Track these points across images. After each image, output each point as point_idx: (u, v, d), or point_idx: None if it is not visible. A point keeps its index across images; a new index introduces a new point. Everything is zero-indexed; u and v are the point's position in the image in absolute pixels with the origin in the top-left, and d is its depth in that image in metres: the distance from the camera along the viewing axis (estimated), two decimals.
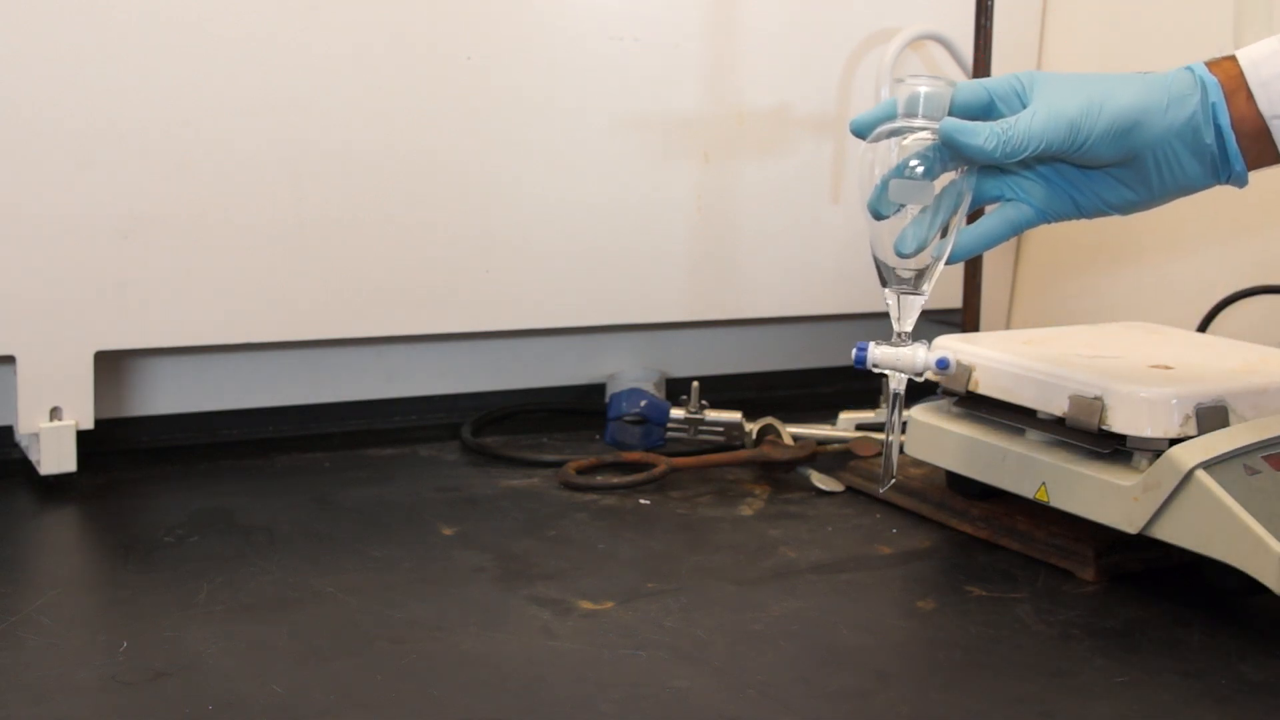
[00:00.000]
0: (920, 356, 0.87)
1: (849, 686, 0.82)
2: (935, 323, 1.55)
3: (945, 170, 0.84)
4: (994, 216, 0.89)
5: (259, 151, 1.19)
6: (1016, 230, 0.89)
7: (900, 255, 0.85)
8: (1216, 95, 0.83)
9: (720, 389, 1.48)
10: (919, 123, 0.84)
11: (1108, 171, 0.86)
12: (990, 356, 1.06)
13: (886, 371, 0.88)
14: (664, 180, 1.38)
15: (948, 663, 0.86)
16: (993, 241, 0.89)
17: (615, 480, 1.19)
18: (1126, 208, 0.88)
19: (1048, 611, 0.93)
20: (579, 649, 0.86)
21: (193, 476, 1.21)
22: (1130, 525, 0.94)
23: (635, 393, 1.31)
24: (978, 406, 1.07)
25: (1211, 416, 0.95)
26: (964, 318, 1.40)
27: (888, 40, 1.45)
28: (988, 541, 1.07)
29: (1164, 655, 0.87)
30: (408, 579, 0.97)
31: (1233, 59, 0.84)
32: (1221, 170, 0.85)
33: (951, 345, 1.09)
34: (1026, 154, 0.83)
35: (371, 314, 1.27)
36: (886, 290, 0.87)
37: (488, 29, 1.27)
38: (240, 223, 1.20)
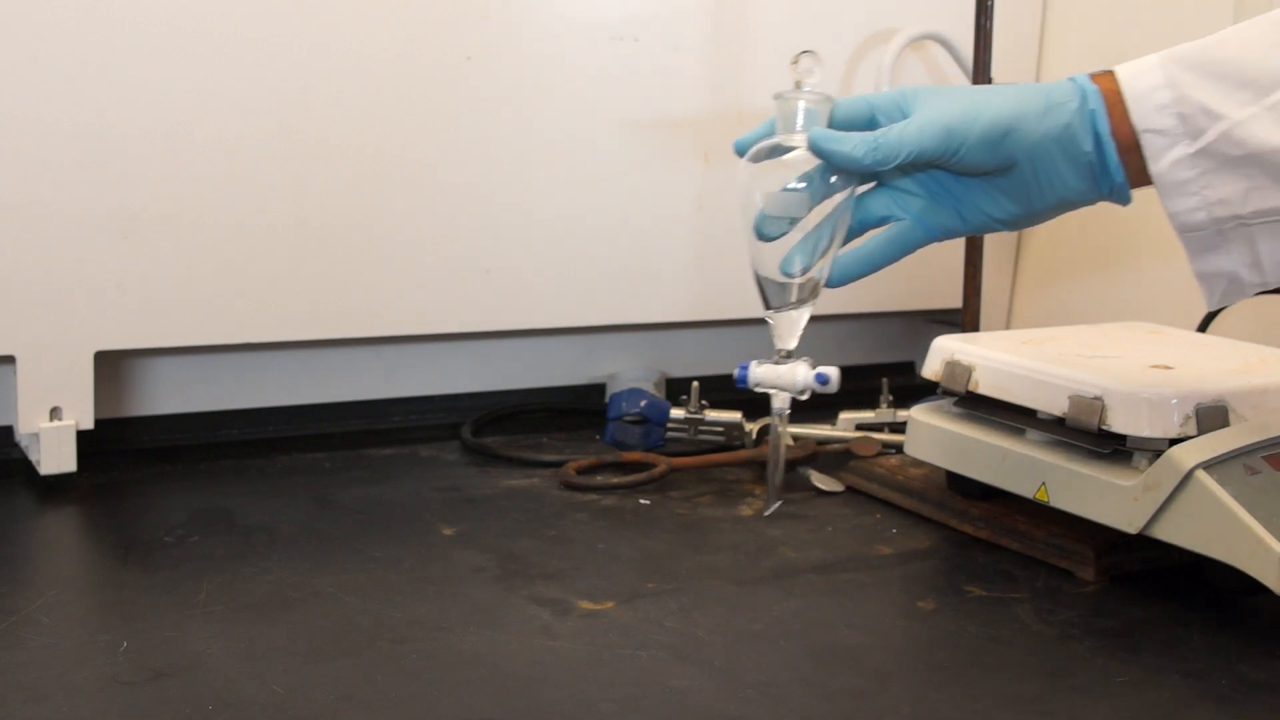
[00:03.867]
0: (800, 374, 0.86)
1: (849, 686, 0.82)
2: (935, 323, 1.55)
3: (826, 185, 0.83)
4: (878, 237, 0.87)
5: (259, 152, 1.19)
6: (903, 250, 0.87)
7: (786, 275, 0.85)
8: (1096, 103, 0.82)
9: (720, 389, 1.47)
10: (797, 139, 0.83)
11: (989, 181, 0.84)
12: (990, 356, 1.06)
13: (769, 391, 0.87)
14: (664, 180, 1.38)
15: (948, 663, 0.86)
16: (879, 262, 0.87)
17: (615, 480, 1.19)
18: (1010, 221, 0.86)
19: (1048, 611, 0.93)
20: (579, 649, 0.86)
21: (193, 476, 1.21)
22: (1130, 525, 0.94)
23: (635, 393, 1.31)
24: (977, 406, 1.07)
25: (1211, 416, 0.95)
26: (964, 318, 1.40)
27: (888, 40, 1.45)
28: (988, 541, 1.07)
29: (1164, 655, 0.87)
30: (408, 579, 0.97)
31: (1113, 73, 0.83)
32: (1102, 182, 0.83)
33: (951, 345, 1.09)
34: (900, 160, 0.81)
35: (371, 314, 1.27)
36: (768, 310, 0.87)
37: (488, 29, 1.27)
38: (240, 223, 1.20)
